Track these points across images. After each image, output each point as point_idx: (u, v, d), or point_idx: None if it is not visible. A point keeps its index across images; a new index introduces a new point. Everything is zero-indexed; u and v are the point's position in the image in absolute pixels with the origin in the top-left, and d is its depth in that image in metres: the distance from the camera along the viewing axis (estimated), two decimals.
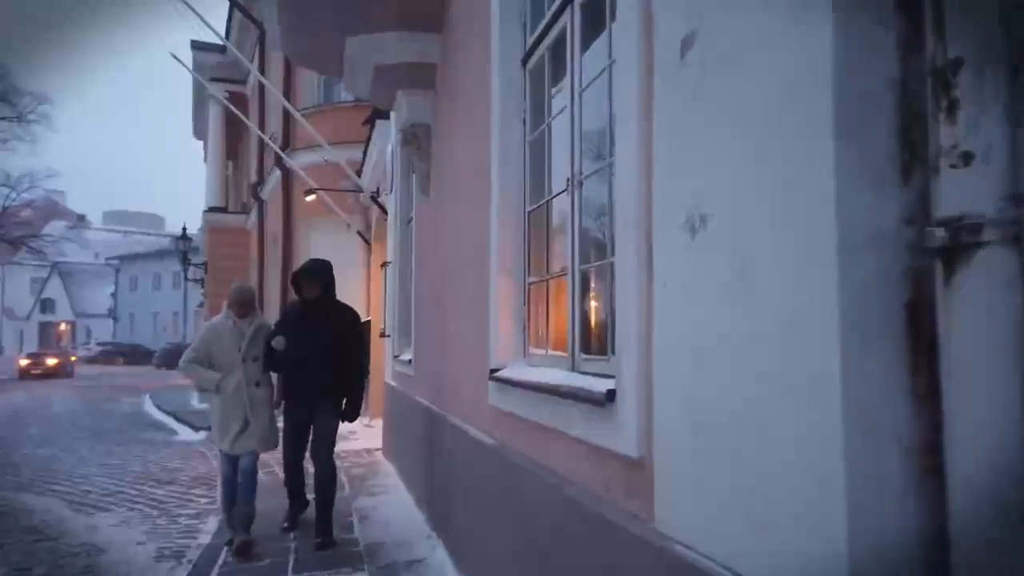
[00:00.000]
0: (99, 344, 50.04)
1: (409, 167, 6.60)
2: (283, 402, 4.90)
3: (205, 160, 25.43)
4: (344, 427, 5.06)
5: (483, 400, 3.38)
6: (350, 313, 5.04)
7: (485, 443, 3.40)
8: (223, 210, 19.60)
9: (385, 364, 7.95)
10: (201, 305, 25.85)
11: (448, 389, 4.46)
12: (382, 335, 7.94)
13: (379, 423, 10.64)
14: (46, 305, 62.87)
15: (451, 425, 4.20)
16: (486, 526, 3.37)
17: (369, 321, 11.16)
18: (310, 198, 10.48)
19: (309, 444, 4.90)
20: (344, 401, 4.88)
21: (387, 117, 8.18)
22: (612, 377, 2.08)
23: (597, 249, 2.54)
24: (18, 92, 34.44)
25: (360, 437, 9.75)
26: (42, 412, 15.44)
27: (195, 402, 16.35)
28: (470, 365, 3.77)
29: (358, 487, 6.30)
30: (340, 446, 9.29)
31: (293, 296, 5.15)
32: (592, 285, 2.56)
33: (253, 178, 16.86)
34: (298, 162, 11.55)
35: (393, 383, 7.38)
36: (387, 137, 8.22)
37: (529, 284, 3.16)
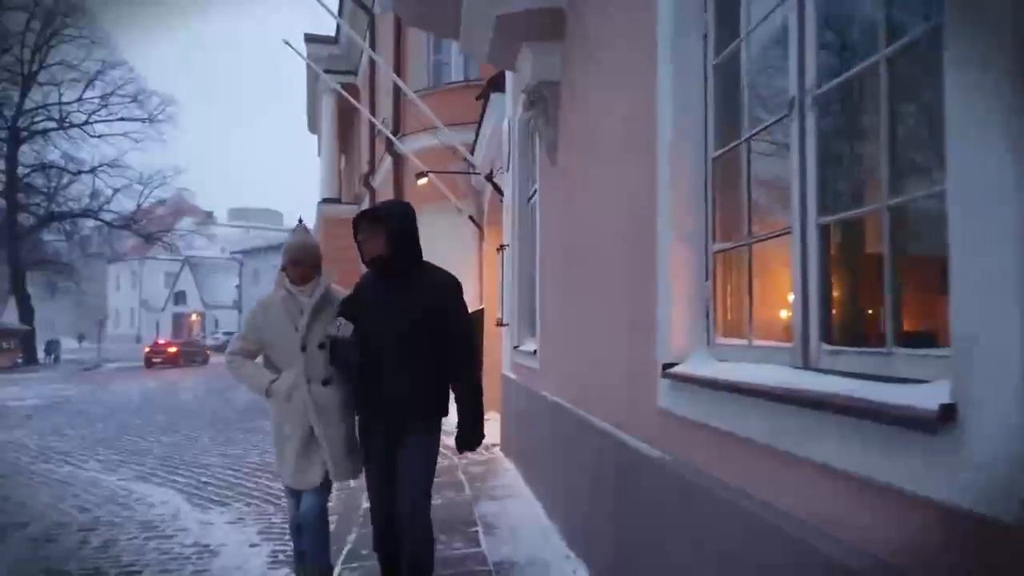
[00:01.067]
0: (225, 334, 53.01)
1: (530, 137, 5.96)
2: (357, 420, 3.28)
3: (319, 154, 26.05)
4: (450, 422, 3.12)
5: (647, 402, 2.69)
6: (445, 281, 3.14)
7: (650, 456, 2.70)
8: (336, 201, 19.81)
9: (503, 355, 7.40)
10: None
11: (589, 385, 3.79)
12: (499, 324, 7.40)
13: (495, 415, 10.16)
14: (178, 297, 67.38)
15: (595, 429, 3.53)
16: (654, 559, 2.68)
17: (482, 310, 10.69)
18: (422, 182, 10.08)
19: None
20: (450, 418, 3.12)
21: (502, 90, 7.59)
22: (913, 381, 1.33)
23: (840, 194, 1.79)
24: (147, 93, 36.78)
25: None
26: (169, 399, 16.05)
27: None
28: (624, 357, 3.08)
29: (479, 489, 5.76)
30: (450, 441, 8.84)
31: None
32: (832, 248, 1.81)
33: (364, 168, 16.83)
34: (409, 147, 11.21)
35: (512, 376, 6.80)
36: (502, 111, 7.63)
37: (714, 252, 2.43)
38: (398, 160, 12.16)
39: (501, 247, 7.45)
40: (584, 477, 3.79)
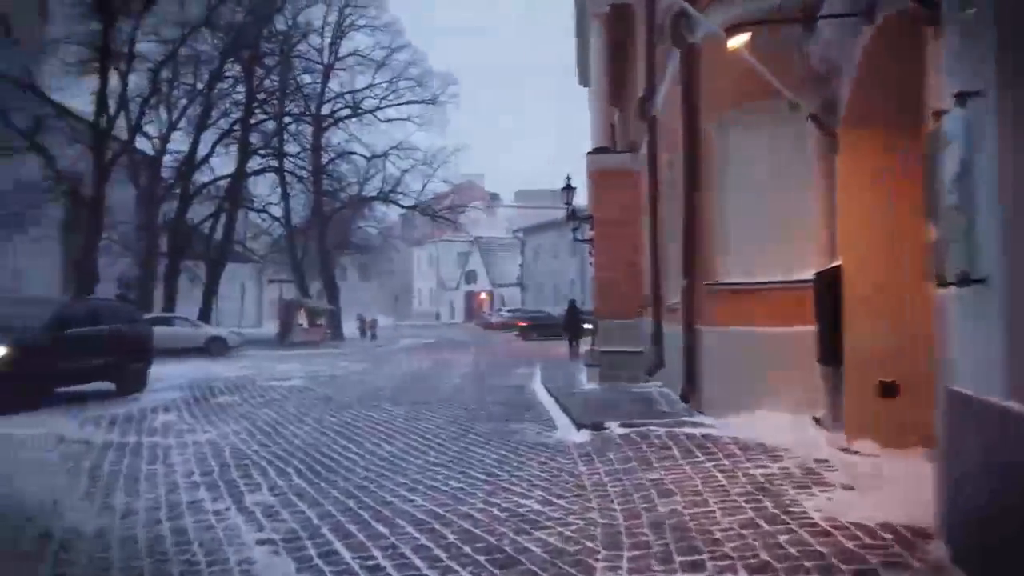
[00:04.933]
0: (509, 311, 53.45)
1: None
2: None
3: (590, 108, 23.08)
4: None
5: None
6: None
7: None
8: (608, 150, 16.49)
9: (952, 349, 3.28)
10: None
11: None
12: (963, 281, 3.27)
13: (872, 448, 5.94)
14: (469, 276, 70.50)
15: None
16: None
17: (838, 268, 6.49)
18: (738, 40, 6.09)
19: None
20: None
21: None
22: None
23: None
24: (431, 75, 37.07)
25: (855, 483, 5.15)
26: (428, 384, 14.12)
27: (583, 379, 13.52)
28: None
29: None
30: (806, 509, 4.36)
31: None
32: None
33: (640, 94, 13.21)
34: (716, 20, 7.31)
35: (1012, 405, 2.69)
36: None
37: None
38: (691, 53, 8.32)
39: (948, 108, 3.29)
40: None
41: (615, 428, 7.76)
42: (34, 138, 21.15)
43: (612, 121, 22.69)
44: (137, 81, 25.84)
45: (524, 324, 36.42)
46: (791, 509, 4.61)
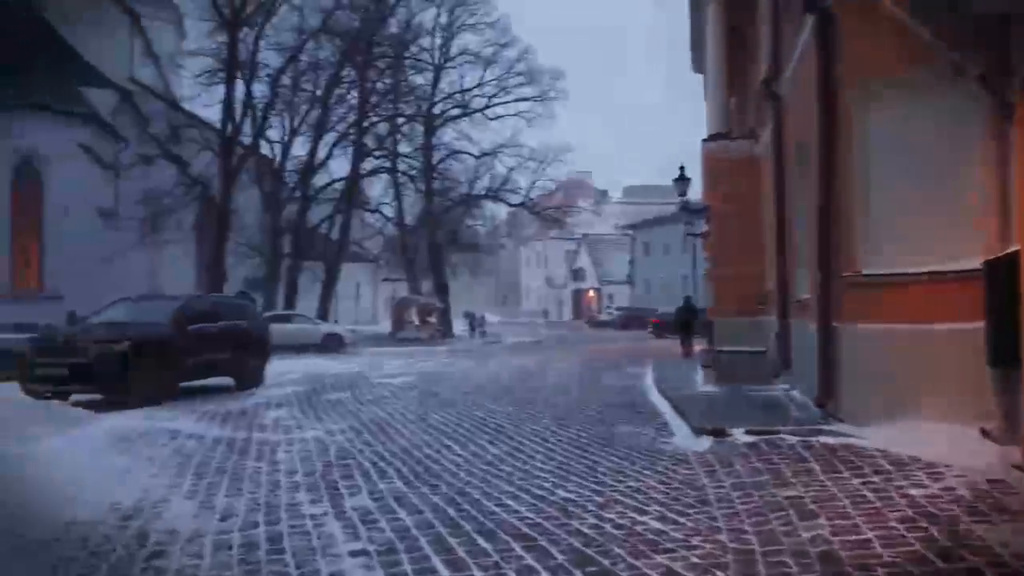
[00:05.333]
0: (618, 309, 52.43)
1: None
2: None
3: (704, 96, 22.04)
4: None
5: None
6: None
7: None
8: (725, 136, 15.48)
9: None
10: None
11: None
12: None
13: None
14: (577, 274, 69.87)
15: None
16: None
17: (1015, 255, 5.52)
18: None
19: None
20: None
21: None
22: None
23: None
24: (539, 71, 36.73)
25: None
26: (530, 383, 13.71)
27: (699, 380, 12.68)
28: None
29: None
30: (988, 542, 3.37)
31: None
32: None
33: (762, 75, 12.22)
34: None
35: None
36: None
37: None
38: (827, 19, 7.41)
39: None
40: None
41: (740, 435, 7.03)
42: (169, 146, 22.55)
43: (730, 108, 21.50)
44: (260, 89, 27.11)
45: (657, 322, 35.41)
46: (968, 542, 3.83)
